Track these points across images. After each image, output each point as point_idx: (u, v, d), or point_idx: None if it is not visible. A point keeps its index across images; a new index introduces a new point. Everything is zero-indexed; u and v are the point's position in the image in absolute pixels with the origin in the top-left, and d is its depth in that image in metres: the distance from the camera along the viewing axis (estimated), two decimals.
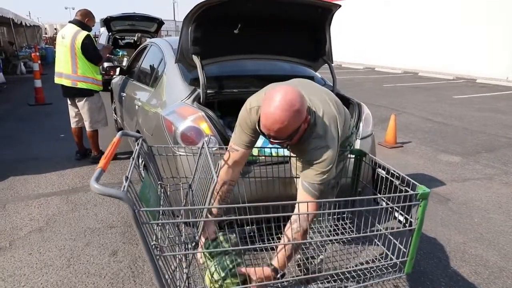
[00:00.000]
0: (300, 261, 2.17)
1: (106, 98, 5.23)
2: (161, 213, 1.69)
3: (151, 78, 3.60)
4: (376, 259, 1.85)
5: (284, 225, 2.13)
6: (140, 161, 2.84)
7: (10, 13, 11.76)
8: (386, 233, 1.69)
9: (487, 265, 2.55)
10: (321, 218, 2.15)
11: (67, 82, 4.16)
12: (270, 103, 1.46)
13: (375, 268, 1.78)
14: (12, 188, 3.73)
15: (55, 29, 34.69)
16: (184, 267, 1.63)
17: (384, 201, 1.79)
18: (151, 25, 9.66)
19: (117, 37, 10.19)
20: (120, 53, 9.42)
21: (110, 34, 9.56)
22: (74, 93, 4.22)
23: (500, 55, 13.33)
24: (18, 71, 13.62)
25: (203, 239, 1.76)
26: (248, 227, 2.23)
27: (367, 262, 2.20)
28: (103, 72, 4.69)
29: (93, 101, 4.29)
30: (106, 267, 2.46)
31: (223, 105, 3.33)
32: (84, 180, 3.93)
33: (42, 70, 11.64)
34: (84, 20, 4.20)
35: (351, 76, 14.44)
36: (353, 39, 19.68)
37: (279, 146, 2.29)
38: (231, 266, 1.57)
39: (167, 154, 2.10)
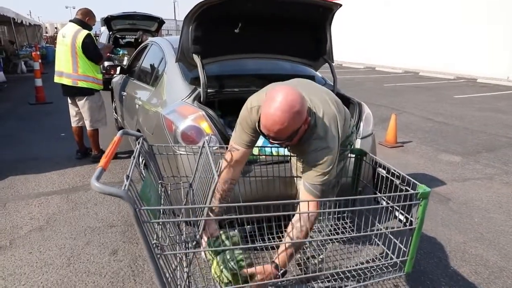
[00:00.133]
0: (301, 260, 2.17)
1: (107, 97, 5.23)
2: (161, 212, 1.69)
3: (152, 77, 3.60)
4: (376, 258, 1.85)
5: (285, 225, 2.14)
6: (140, 160, 2.84)
7: (10, 12, 11.77)
8: (387, 233, 1.69)
9: (487, 265, 2.55)
10: (321, 218, 2.15)
11: (67, 81, 4.16)
12: (270, 104, 1.46)
13: (375, 267, 1.78)
14: (12, 187, 3.74)
15: (56, 28, 34.72)
16: (184, 266, 1.63)
17: (384, 200, 1.79)
18: (151, 24, 9.66)
19: (118, 36, 10.20)
20: (121, 52, 9.43)
21: (110, 33, 9.56)
22: (75, 92, 4.22)
23: (501, 55, 13.32)
24: (19, 70, 13.62)
25: (205, 238, 1.77)
26: (248, 226, 2.23)
27: (367, 262, 2.20)
28: (104, 71, 4.69)
29: (93, 100, 4.29)
30: (106, 266, 2.47)
31: (223, 104, 3.33)
32: (85, 179, 3.93)
33: (43, 69, 11.65)
34: (85, 19, 4.20)
35: (351, 76, 14.44)
36: (353, 39, 19.67)
37: (279, 146, 2.29)
38: (234, 264, 1.58)
39: (167, 153, 2.10)
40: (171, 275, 1.36)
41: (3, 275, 2.37)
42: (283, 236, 2.13)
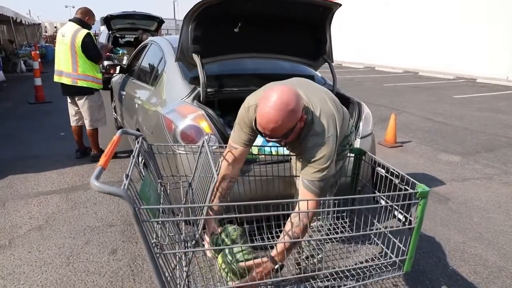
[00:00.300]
0: (300, 259, 2.17)
1: (106, 97, 5.23)
2: (161, 211, 1.69)
3: (151, 76, 3.60)
4: (375, 257, 1.85)
5: (284, 224, 2.14)
6: (140, 159, 2.84)
7: (10, 11, 11.75)
8: (386, 232, 1.69)
9: (487, 264, 2.55)
10: (320, 217, 2.15)
11: (67, 81, 4.16)
12: (265, 102, 1.49)
13: (375, 266, 1.78)
14: (11, 186, 3.73)
15: (55, 27, 34.70)
16: (184, 265, 1.63)
17: (383, 199, 1.80)
18: (151, 23, 9.66)
19: (117, 35, 10.19)
20: (120, 52, 9.42)
21: (110, 32, 9.56)
22: (74, 91, 4.22)
23: (501, 55, 13.33)
24: (18, 69, 13.62)
25: (207, 238, 1.77)
26: (247, 226, 2.23)
27: (366, 261, 2.20)
28: (103, 71, 4.69)
29: (93, 100, 4.29)
30: (105, 265, 2.47)
31: (223, 103, 3.33)
32: (84, 179, 3.93)
33: (42, 68, 11.64)
34: (85, 19, 4.20)
35: (351, 76, 14.44)
36: (353, 39, 19.67)
37: (278, 145, 2.29)
38: (233, 259, 1.59)
39: (167, 152, 2.10)
40: (171, 274, 1.36)
41: (2, 274, 2.37)
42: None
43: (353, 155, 2.15)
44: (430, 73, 15.08)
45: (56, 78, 4.24)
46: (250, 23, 2.73)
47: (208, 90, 2.75)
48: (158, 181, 1.90)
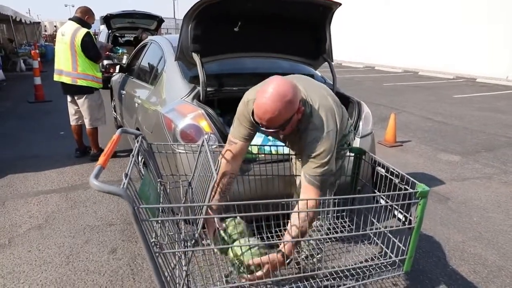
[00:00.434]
0: (300, 259, 2.17)
1: (106, 96, 5.23)
2: (160, 210, 1.69)
3: (151, 76, 3.60)
4: (375, 257, 1.85)
5: (284, 223, 2.13)
6: (139, 158, 2.84)
7: (9, 10, 11.73)
8: (386, 231, 1.69)
9: (486, 264, 2.55)
10: (320, 216, 2.15)
11: (67, 80, 4.16)
12: (262, 94, 1.52)
13: (374, 266, 1.78)
14: (11, 185, 3.73)
15: (55, 26, 34.65)
16: (183, 264, 1.63)
17: (383, 199, 1.79)
18: (151, 22, 9.65)
19: (117, 34, 10.18)
20: (120, 51, 9.40)
21: (110, 31, 9.54)
22: (74, 90, 4.22)
23: (501, 55, 13.32)
24: (18, 68, 13.60)
25: (211, 235, 1.77)
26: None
27: (366, 260, 2.20)
28: (103, 70, 4.68)
29: (93, 99, 4.29)
30: (105, 264, 2.47)
31: (223, 103, 3.33)
32: (84, 178, 3.93)
33: (42, 67, 11.62)
34: (84, 18, 4.19)
35: (351, 75, 14.44)
36: (353, 38, 19.66)
37: (280, 144, 2.29)
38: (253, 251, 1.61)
39: (166, 151, 2.10)
40: (170, 274, 1.36)
41: (2, 273, 2.37)
42: (282, 235, 2.13)
43: (353, 154, 2.15)
44: (430, 73, 15.07)
45: (56, 77, 4.24)
46: (250, 22, 2.73)
47: (208, 89, 2.75)
48: (158, 180, 1.90)
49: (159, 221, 1.52)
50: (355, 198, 2.15)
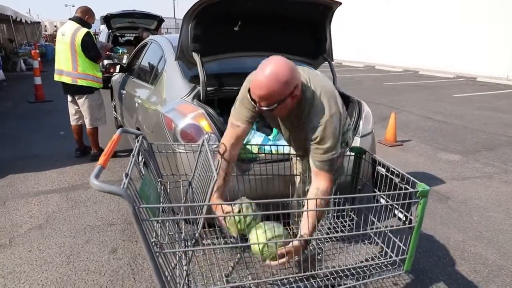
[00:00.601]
0: (300, 258, 2.17)
1: (106, 96, 5.23)
2: (161, 210, 1.69)
3: (151, 75, 3.60)
4: (375, 256, 1.85)
5: (284, 223, 2.13)
6: (140, 158, 2.84)
7: (9, 10, 11.73)
8: (386, 231, 1.69)
9: (486, 263, 2.55)
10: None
11: (67, 80, 4.16)
12: (260, 71, 1.55)
13: (375, 265, 1.78)
14: (12, 185, 3.74)
15: (55, 26, 34.64)
16: (184, 264, 1.63)
17: (383, 198, 1.79)
18: (151, 22, 9.64)
19: (117, 34, 10.17)
20: (120, 51, 9.40)
21: (110, 31, 9.54)
22: (75, 90, 4.22)
23: (501, 54, 13.31)
24: (18, 68, 13.60)
25: (223, 222, 1.73)
26: None
27: (366, 260, 2.20)
28: (103, 70, 4.68)
29: (93, 99, 4.29)
30: (106, 264, 2.47)
31: (223, 102, 3.33)
32: (84, 178, 3.93)
33: (42, 67, 11.63)
34: (84, 17, 4.19)
35: (351, 74, 14.43)
36: (353, 37, 19.65)
37: (280, 144, 2.29)
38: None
39: (167, 151, 2.10)
40: (170, 273, 1.36)
41: (2, 273, 2.37)
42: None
43: (353, 154, 2.15)
44: (430, 72, 15.06)
45: (56, 77, 4.24)
46: (250, 21, 2.72)
47: (208, 89, 2.75)
48: (158, 180, 1.90)
49: (160, 221, 1.52)
50: (356, 198, 2.15)
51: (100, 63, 4.38)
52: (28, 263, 2.48)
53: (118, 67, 4.82)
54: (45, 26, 35.65)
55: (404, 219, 1.66)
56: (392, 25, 17.59)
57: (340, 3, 2.63)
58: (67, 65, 4.12)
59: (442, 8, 15.23)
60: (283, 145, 2.26)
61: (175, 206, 2.24)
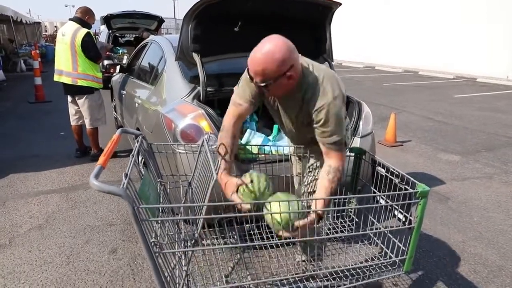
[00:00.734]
0: (300, 259, 2.17)
1: (106, 96, 5.23)
2: (160, 210, 1.69)
3: (151, 76, 3.60)
4: (375, 257, 1.85)
5: None
6: (140, 158, 2.84)
7: (10, 11, 11.73)
8: (386, 231, 1.69)
9: (486, 264, 2.55)
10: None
11: (67, 80, 4.16)
12: (258, 48, 1.60)
13: (374, 266, 1.78)
14: (12, 185, 3.74)
15: (55, 26, 34.66)
16: (183, 264, 1.63)
17: (383, 199, 1.79)
18: (151, 23, 9.65)
19: (117, 35, 10.18)
20: (120, 51, 9.41)
21: (110, 32, 9.55)
22: (75, 90, 4.22)
23: (500, 54, 13.31)
24: (18, 68, 13.60)
25: (236, 196, 1.69)
26: (247, 225, 2.23)
27: (366, 260, 2.20)
28: (103, 70, 4.69)
29: (93, 99, 4.29)
30: (105, 264, 2.47)
31: (223, 103, 3.32)
32: (84, 178, 3.93)
33: (42, 67, 11.63)
34: (85, 18, 4.20)
35: (351, 75, 14.43)
36: (353, 38, 19.65)
37: (280, 145, 2.29)
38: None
39: (166, 151, 2.10)
40: (170, 274, 1.36)
41: (2, 273, 2.37)
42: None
43: (353, 154, 2.15)
44: (430, 73, 15.06)
45: (56, 77, 4.25)
46: (250, 22, 2.72)
47: (208, 89, 2.75)
48: (158, 180, 1.90)
49: (159, 221, 1.52)
50: (355, 198, 2.14)
51: (100, 64, 4.38)
52: (28, 263, 2.48)
53: (118, 67, 4.82)
54: (45, 26, 35.68)
55: (404, 219, 1.65)
56: (392, 25, 17.60)
57: (340, 4, 2.63)
58: (67, 65, 4.12)
59: (442, 9, 15.23)
60: (283, 146, 2.26)
61: (175, 207, 2.25)
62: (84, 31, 4.06)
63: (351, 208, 1.99)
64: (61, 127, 5.82)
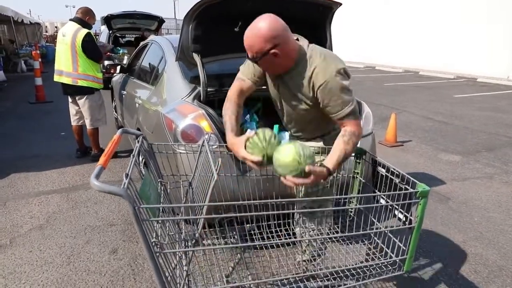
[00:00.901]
0: (300, 259, 2.17)
1: (107, 96, 5.24)
2: (161, 210, 1.69)
3: (152, 76, 3.60)
4: (375, 257, 1.85)
5: (284, 223, 2.14)
6: (140, 158, 2.85)
7: (9, 11, 11.74)
8: (386, 231, 1.69)
9: (487, 264, 2.55)
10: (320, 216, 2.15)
11: (67, 80, 4.17)
12: (251, 24, 1.69)
13: (375, 266, 1.78)
14: (12, 185, 3.74)
15: (56, 27, 34.73)
16: (184, 264, 1.64)
17: (384, 199, 1.79)
18: (151, 23, 9.66)
19: (118, 35, 10.19)
20: (121, 51, 9.42)
21: (110, 32, 9.56)
22: (75, 91, 4.22)
23: (501, 54, 13.31)
24: (19, 69, 13.62)
25: (244, 153, 1.67)
26: (248, 225, 2.23)
27: (366, 260, 2.20)
28: (104, 70, 4.69)
29: (93, 99, 4.30)
30: (106, 264, 2.47)
31: (223, 103, 3.33)
32: (85, 178, 3.94)
33: (43, 68, 11.65)
34: (85, 18, 4.20)
35: (351, 75, 14.40)
36: (353, 38, 19.65)
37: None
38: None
39: (167, 152, 2.10)
40: (171, 274, 1.37)
41: (3, 273, 2.37)
42: (282, 234, 2.14)
43: (353, 154, 2.15)
44: (431, 73, 15.06)
45: (56, 78, 4.25)
46: (250, 22, 2.72)
47: (208, 89, 2.75)
48: (158, 180, 1.90)
49: (160, 221, 1.52)
50: (356, 198, 2.14)
51: (101, 64, 4.39)
52: (29, 263, 2.48)
53: (118, 67, 4.83)
54: (46, 26, 35.70)
55: (404, 219, 1.65)
56: (392, 25, 17.60)
57: (340, 4, 2.63)
58: (68, 65, 4.13)
59: (442, 9, 15.23)
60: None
61: (175, 207, 2.25)
62: (84, 31, 4.06)
63: (351, 208, 1.99)
64: (61, 128, 5.82)
